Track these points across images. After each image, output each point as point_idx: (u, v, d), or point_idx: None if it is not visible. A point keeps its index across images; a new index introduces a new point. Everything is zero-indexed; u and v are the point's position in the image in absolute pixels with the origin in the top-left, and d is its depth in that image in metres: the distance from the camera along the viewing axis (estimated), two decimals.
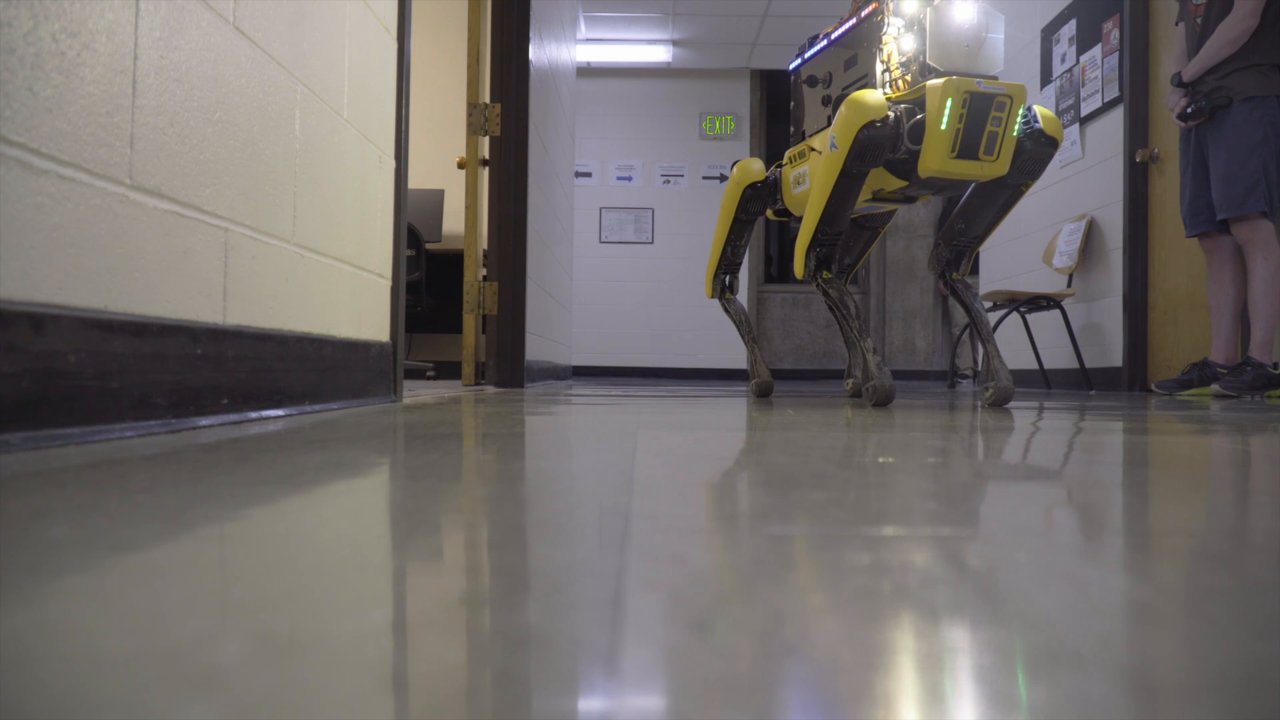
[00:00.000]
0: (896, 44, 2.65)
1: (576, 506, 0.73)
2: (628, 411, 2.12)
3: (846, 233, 3.04)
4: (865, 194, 2.75)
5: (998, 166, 2.49)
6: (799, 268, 2.76)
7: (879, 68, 2.68)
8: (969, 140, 2.44)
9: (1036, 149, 2.52)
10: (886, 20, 2.66)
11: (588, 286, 8.76)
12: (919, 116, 2.46)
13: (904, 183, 2.63)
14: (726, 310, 3.47)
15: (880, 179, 2.66)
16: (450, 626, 0.39)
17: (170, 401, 1.29)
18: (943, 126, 2.42)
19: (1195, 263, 4.41)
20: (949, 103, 2.41)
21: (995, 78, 2.52)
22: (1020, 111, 2.48)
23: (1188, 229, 3.97)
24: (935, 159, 2.45)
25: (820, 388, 5.20)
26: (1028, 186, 2.61)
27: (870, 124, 2.46)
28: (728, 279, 3.44)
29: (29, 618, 0.39)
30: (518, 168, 4.28)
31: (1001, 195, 2.61)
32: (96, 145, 1.14)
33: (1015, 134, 2.48)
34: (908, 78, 2.60)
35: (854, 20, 2.82)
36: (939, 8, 2.53)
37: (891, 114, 2.49)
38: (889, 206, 3.00)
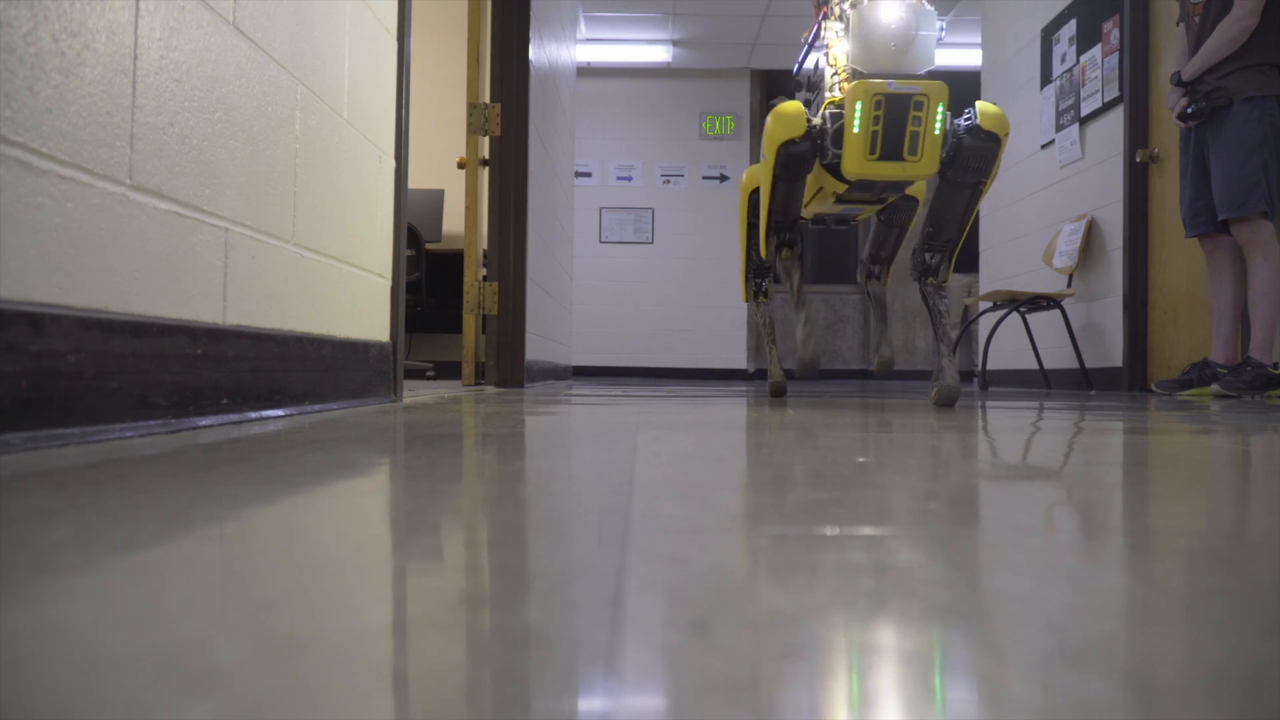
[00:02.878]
0: (841, 47, 2.68)
1: (576, 506, 0.73)
2: (628, 412, 2.12)
3: (876, 230, 3.12)
4: (828, 197, 2.81)
5: (922, 166, 2.46)
6: (762, 249, 2.88)
7: (829, 71, 2.70)
8: (890, 141, 2.44)
9: (977, 144, 2.48)
10: (825, 24, 2.69)
11: (588, 286, 8.76)
12: (842, 121, 2.50)
13: (845, 185, 2.65)
14: (757, 312, 3.44)
15: (824, 180, 2.70)
16: (450, 626, 0.39)
17: (170, 401, 1.29)
18: (855, 130, 2.44)
19: (1195, 263, 4.41)
20: (859, 106, 2.43)
21: (923, 76, 2.50)
22: (939, 109, 2.43)
23: (1187, 229, 3.96)
24: (854, 162, 2.47)
25: (821, 387, 5.20)
26: (986, 185, 2.57)
27: (788, 144, 2.54)
28: (762, 282, 3.40)
29: (29, 618, 0.39)
30: (518, 168, 4.28)
31: (960, 196, 2.58)
32: (96, 145, 1.14)
33: (938, 132, 2.44)
34: (848, 81, 2.62)
35: (816, 25, 2.85)
36: (863, 10, 2.53)
37: (816, 123, 2.55)
38: (867, 209, 3.00)
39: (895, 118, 2.42)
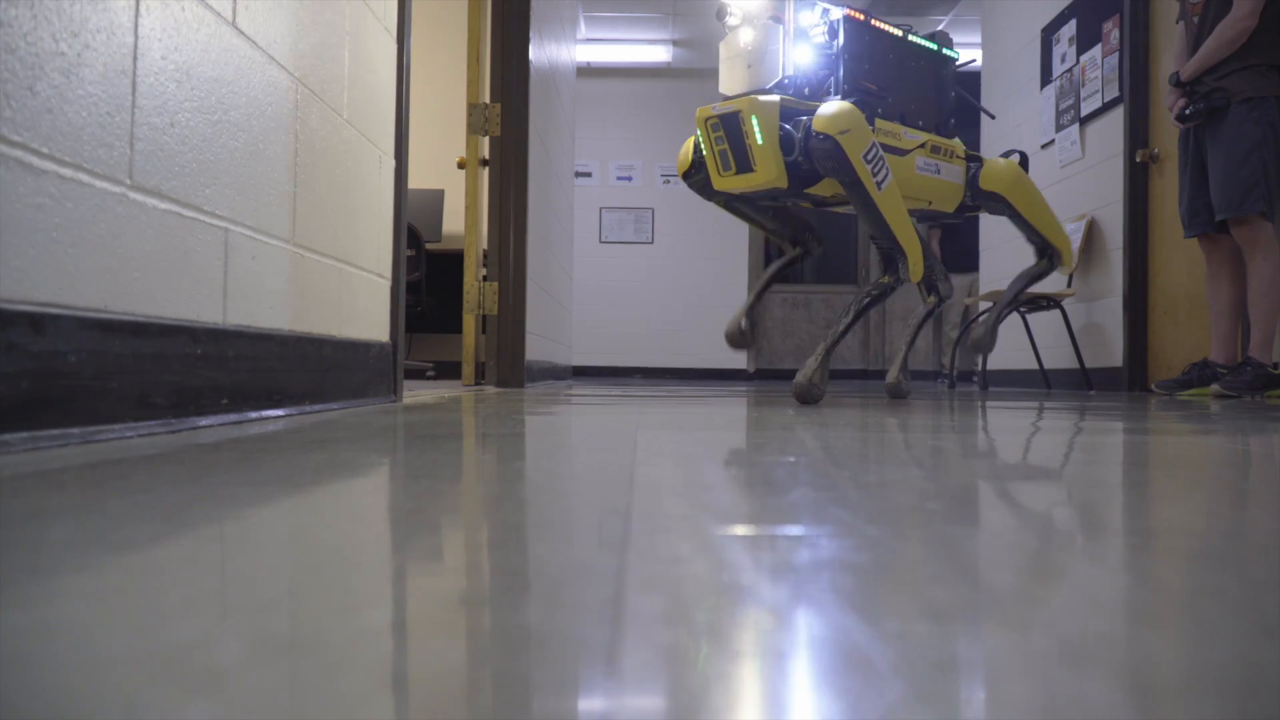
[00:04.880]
0: None
1: (577, 506, 0.73)
2: (628, 412, 2.12)
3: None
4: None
5: (760, 175, 2.64)
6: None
7: None
8: (739, 156, 2.66)
9: (815, 146, 2.57)
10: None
11: (588, 286, 8.76)
12: None
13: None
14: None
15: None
16: (450, 626, 0.39)
17: (170, 401, 1.29)
18: (705, 152, 2.74)
19: (1195, 263, 4.41)
20: (699, 131, 2.74)
21: (769, 88, 2.71)
22: (754, 121, 2.60)
23: (1186, 230, 3.96)
24: (715, 180, 2.76)
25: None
26: (864, 182, 2.62)
27: (684, 176, 2.89)
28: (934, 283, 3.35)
29: (29, 618, 0.39)
30: (518, 168, 4.28)
31: (852, 196, 2.66)
32: (96, 145, 1.14)
33: (761, 142, 2.60)
34: None
35: None
36: (726, 40, 2.80)
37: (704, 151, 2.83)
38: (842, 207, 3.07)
39: (733, 135, 2.65)
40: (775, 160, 2.60)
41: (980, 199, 3.04)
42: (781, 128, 2.59)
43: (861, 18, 2.80)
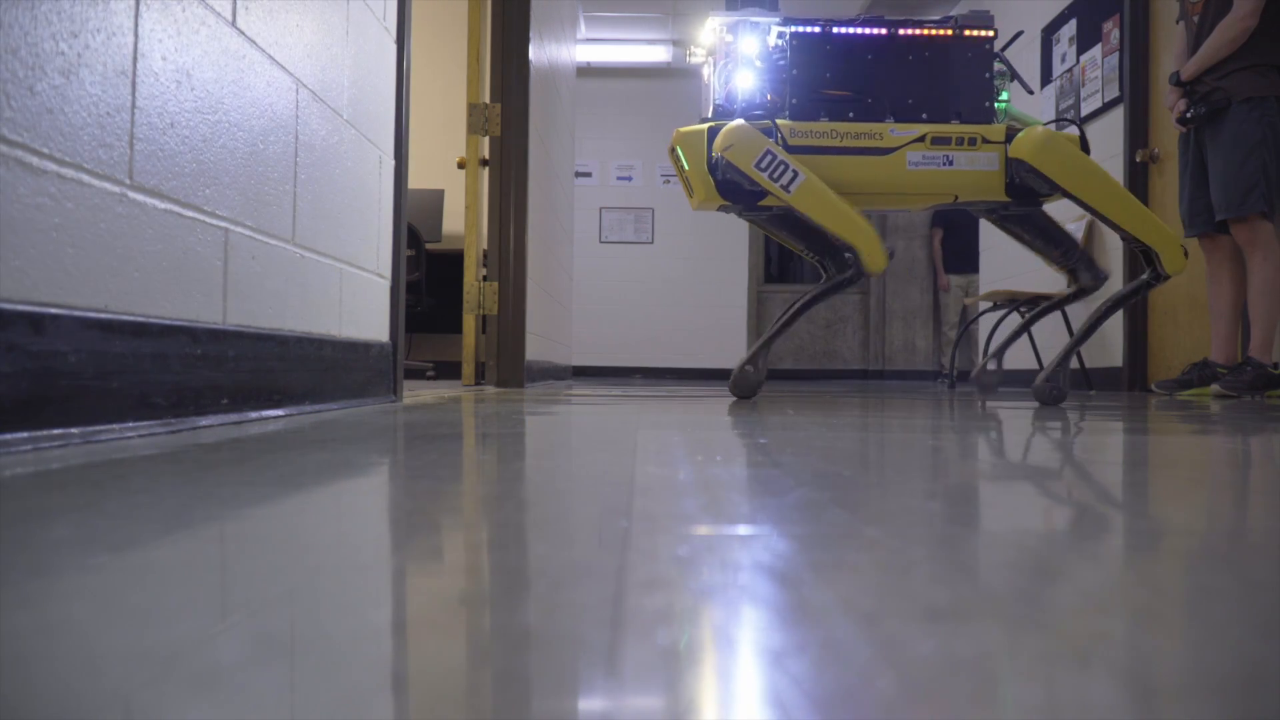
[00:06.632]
0: None
1: (577, 506, 0.73)
2: (628, 411, 2.12)
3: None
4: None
5: (698, 196, 2.90)
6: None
7: None
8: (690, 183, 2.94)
9: (722, 166, 2.77)
10: None
11: (588, 286, 8.76)
12: None
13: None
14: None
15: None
16: (450, 626, 0.39)
17: (170, 401, 1.29)
18: (680, 178, 3.00)
19: (1195, 262, 4.40)
20: (672, 163, 3.00)
21: (710, 119, 2.96)
22: (679, 150, 2.87)
23: (1187, 229, 3.96)
24: (690, 202, 3.02)
25: (822, 387, 5.20)
26: (770, 192, 2.74)
27: None
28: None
29: (29, 618, 0.39)
30: (518, 168, 4.28)
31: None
32: (96, 145, 1.14)
33: (688, 168, 2.86)
34: None
35: None
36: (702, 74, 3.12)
37: None
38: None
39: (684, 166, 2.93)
40: (704, 182, 2.82)
41: (1020, 174, 2.80)
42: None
43: (817, 30, 2.83)
